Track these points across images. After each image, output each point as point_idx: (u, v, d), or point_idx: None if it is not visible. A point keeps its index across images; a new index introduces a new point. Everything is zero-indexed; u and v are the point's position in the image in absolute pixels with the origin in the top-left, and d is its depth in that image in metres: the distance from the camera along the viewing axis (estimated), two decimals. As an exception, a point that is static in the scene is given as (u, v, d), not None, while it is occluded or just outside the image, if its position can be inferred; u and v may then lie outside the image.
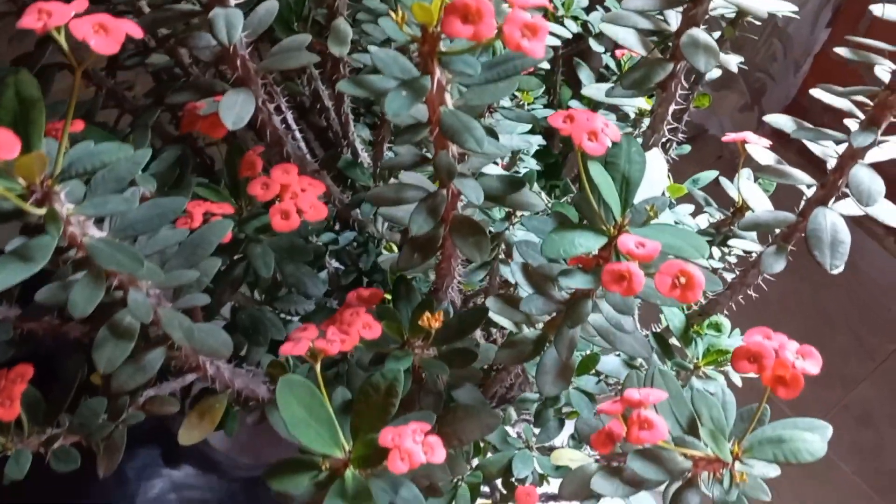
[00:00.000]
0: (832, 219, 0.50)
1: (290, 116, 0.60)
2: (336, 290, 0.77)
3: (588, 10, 0.87)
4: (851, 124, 0.49)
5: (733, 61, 0.60)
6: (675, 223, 0.65)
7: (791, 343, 0.40)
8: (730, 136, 0.57)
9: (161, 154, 0.51)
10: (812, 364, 0.39)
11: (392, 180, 0.60)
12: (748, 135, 0.56)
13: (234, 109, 0.48)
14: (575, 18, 0.85)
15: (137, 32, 0.36)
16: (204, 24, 0.47)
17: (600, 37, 0.87)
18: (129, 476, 0.60)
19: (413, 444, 0.41)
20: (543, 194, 0.74)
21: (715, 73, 0.77)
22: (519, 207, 0.46)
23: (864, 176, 0.47)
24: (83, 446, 0.48)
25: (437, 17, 0.35)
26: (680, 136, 0.80)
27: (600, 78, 0.88)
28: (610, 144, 0.43)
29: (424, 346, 0.52)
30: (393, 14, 0.35)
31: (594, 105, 0.85)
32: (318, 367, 0.45)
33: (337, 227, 0.75)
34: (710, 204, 0.62)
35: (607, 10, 0.83)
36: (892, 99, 0.46)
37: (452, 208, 0.46)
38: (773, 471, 0.43)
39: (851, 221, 0.51)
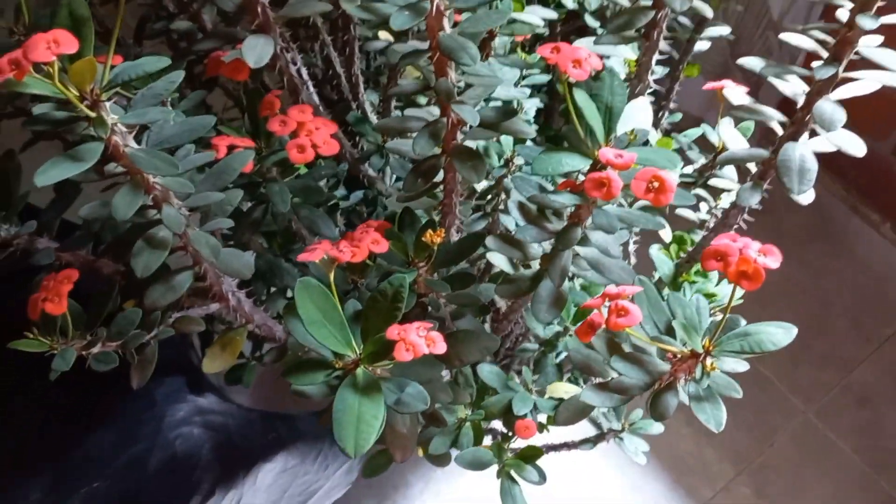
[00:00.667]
0: (801, 151, 0.54)
1: (304, 71, 0.65)
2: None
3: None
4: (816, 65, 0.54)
5: (720, 31, 0.65)
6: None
7: (754, 243, 0.44)
8: (710, 85, 0.62)
9: (188, 95, 0.57)
10: (772, 260, 0.43)
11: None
12: (726, 81, 0.61)
13: (256, 50, 0.53)
14: (571, -6, 0.90)
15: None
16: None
17: (596, 14, 0.92)
18: (158, 399, 0.65)
19: (417, 337, 0.45)
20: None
21: (703, 46, 0.82)
22: (512, 133, 0.51)
23: (827, 107, 0.52)
24: (120, 356, 0.52)
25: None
26: (672, 104, 0.85)
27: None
28: (593, 75, 0.48)
29: (428, 270, 0.56)
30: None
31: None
32: (331, 276, 0.50)
33: (345, 190, 0.80)
34: (693, 148, 0.67)
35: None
36: (850, 35, 0.50)
37: (452, 137, 0.51)
38: (742, 366, 0.48)
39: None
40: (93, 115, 0.40)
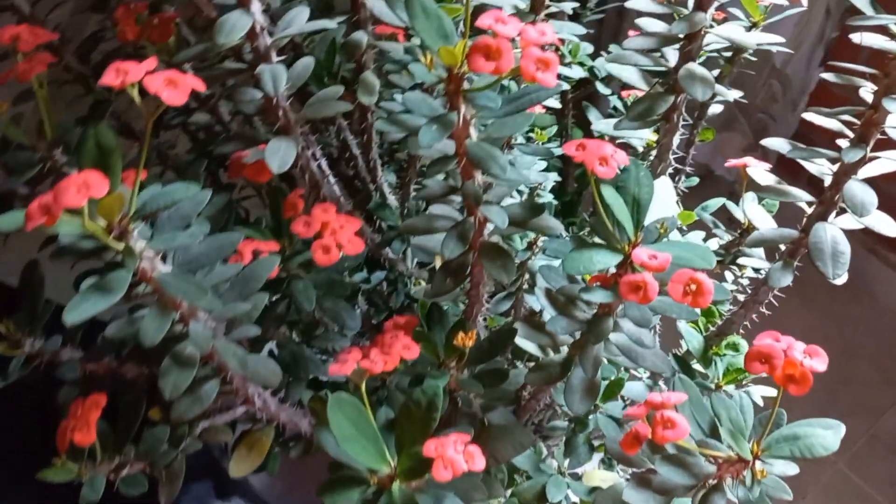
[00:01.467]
0: (832, 232, 0.54)
1: (324, 163, 0.65)
2: (368, 329, 0.81)
3: (593, 56, 0.93)
4: (843, 143, 0.53)
5: (732, 95, 0.64)
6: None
7: (798, 343, 0.43)
8: (732, 162, 0.62)
9: (211, 200, 0.56)
10: (819, 362, 0.42)
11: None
12: (749, 159, 0.61)
13: (279, 154, 0.53)
14: (581, 64, 0.90)
15: (201, 86, 0.41)
16: (248, 80, 0.53)
17: (607, 80, 0.93)
18: (184, 509, 0.64)
19: (455, 453, 0.44)
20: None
21: (717, 109, 0.82)
22: (540, 231, 0.50)
23: (857, 189, 0.51)
24: (146, 474, 0.51)
25: (461, 59, 0.40)
26: (688, 168, 0.84)
27: (608, 118, 0.94)
28: (619, 168, 0.48)
29: (458, 368, 0.55)
30: (422, 58, 0.40)
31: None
32: (363, 387, 0.49)
33: (366, 272, 0.80)
34: (719, 226, 0.66)
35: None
36: (876, 117, 0.50)
37: (480, 235, 0.51)
38: (792, 468, 0.46)
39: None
40: (120, 247, 0.39)
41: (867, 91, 0.50)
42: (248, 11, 0.48)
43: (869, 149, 0.51)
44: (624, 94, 0.89)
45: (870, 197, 0.50)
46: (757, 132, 1.53)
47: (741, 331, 0.70)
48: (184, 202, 0.43)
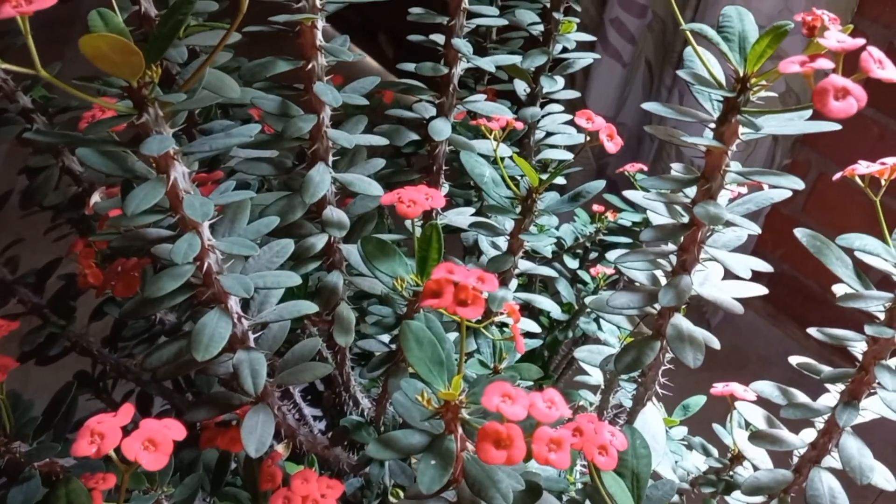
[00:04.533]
0: (828, 482, 0.53)
1: (299, 399, 0.62)
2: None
3: (558, 226, 0.93)
4: (831, 395, 0.53)
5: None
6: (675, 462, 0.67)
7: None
8: (717, 390, 0.61)
9: (185, 481, 0.53)
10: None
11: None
12: (735, 388, 0.60)
13: (256, 434, 0.50)
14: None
15: (182, 434, 0.38)
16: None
17: (570, 251, 0.93)
18: None
19: None
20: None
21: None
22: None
23: (853, 449, 0.51)
24: None
25: (457, 394, 0.39)
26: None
27: (574, 282, 0.93)
28: (618, 456, 0.46)
29: None
30: (420, 399, 0.38)
31: (576, 312, 0.90)
32: None
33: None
34: (710, 454, 0.65)
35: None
36: (868, 378, 0.50)
37: None
38: None
39: None
40: None
41: (857, 352, 0.50)
42: (225, 312, 0.45)
43: (861, 404, 0.51)
44: (593, 271, 0.89)
45: (867, 460, 0.50)
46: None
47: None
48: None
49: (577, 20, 0.75)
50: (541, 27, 0.72)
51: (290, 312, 0.49)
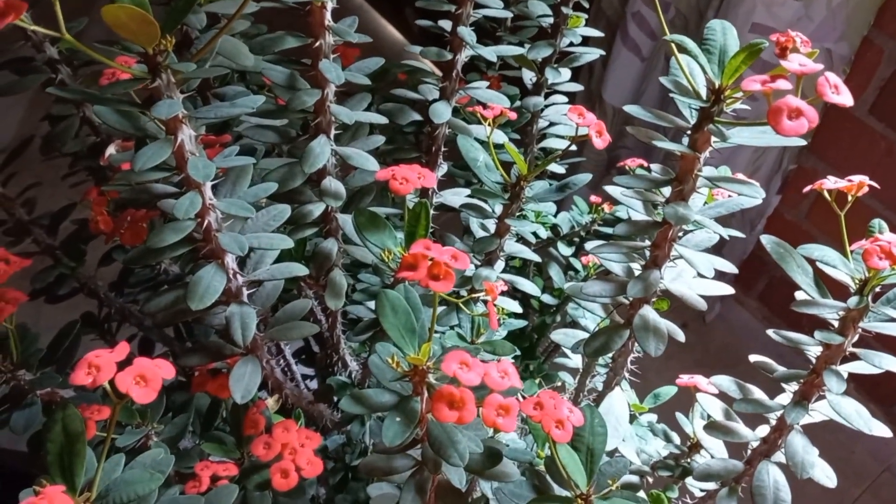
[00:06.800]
0: (774, 475, 0.56)
1: (290, 357, 0.66)
2: (325, 487, 0.81)
3: (556, 213, 0.96)
4: (785, 396, 0.56)
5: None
6: (640, 442, 0.71)
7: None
8: (682, 381, 0.64)
9: (174, 420, 0.57)
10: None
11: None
12: (699, 380, 0.63)
13: (243, 382, 0.54)
14: (544, 224, 0.93)
15: (171, 373, 0.42)
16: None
17: (566, 238, 0.96)
18: None
19: None
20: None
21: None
22: (497, 478, 0.51)
23: (798, 446, 0.54)
24: None
25: (426, 360, 0.42)
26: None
27: (567, 268, 0.96)
28: (574, 431, 0.49)
29: None
30: (389, 360, 0.42)
31: (566, 297, 0.93)
32: None
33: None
34: (671, 440, 0.69)
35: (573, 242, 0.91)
36: (818, 381, 0.53)
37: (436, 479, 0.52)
38: None
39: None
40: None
41: (812, 355, 0.53)
42: (222, 267, 0.49)
43: (810, 403, 0.54)
44: (583, 259, 0.92)
45: (810, 456, 0.53)
46: (716, 248, 1.58)
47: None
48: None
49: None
50: (551, 19, 0.75)
51: (283, 273, 0.52)
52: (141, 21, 0.36)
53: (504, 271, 0.73)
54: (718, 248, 1.62)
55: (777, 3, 1.20)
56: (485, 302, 0.61)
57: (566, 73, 0.78)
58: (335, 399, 0.73)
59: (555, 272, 0.95)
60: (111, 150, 0.59)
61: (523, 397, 0.48)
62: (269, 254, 0.53)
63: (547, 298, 0.96)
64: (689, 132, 0.47)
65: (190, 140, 0.43)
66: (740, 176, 0.72)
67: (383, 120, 0.57)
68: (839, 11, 1.20)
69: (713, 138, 0.46)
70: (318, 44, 0.50)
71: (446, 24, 0.62)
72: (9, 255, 0.52)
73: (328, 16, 0.49)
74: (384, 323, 0.43)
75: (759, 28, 1.23)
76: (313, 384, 0.83)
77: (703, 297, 0.57)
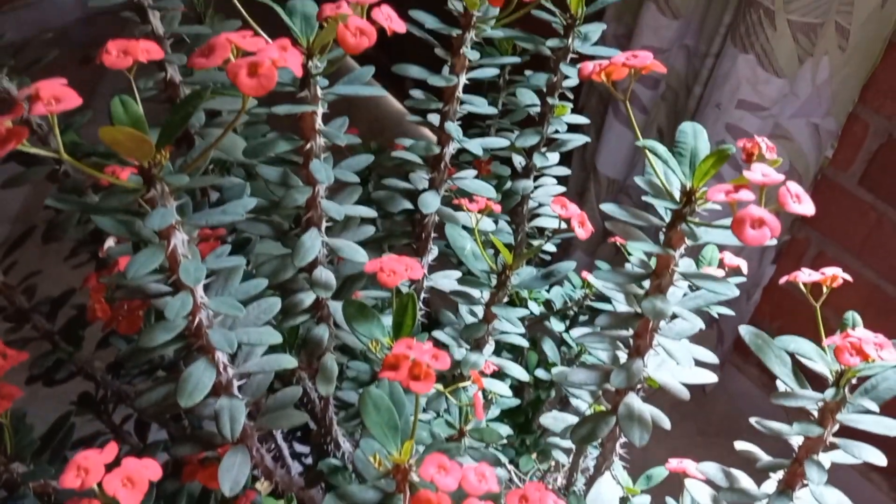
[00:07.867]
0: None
1: (281, 441, 0.67)
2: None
3: (549, 287, 0.97)
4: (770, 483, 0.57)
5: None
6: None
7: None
8: (672, 466, 0.64)
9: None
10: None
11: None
12: (688, 465, 0.64)
13: (232, 473, 0.54)
14: (536, 300, 0.95)
15: (158, 474, 0.43)
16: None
17: (559, 314, 0.97)
18: None
19: None
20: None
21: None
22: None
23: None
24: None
25: (407, 458, 0.43)
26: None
27: (562, 343, 0.97)
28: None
29: None
30: (372, 460, 0.43)
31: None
32: None
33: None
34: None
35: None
36: (801, 471, 0.53)
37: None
38: None
39: None
40: None
41: (796, 442, 0.54)
42: (212, 362, 0.50)
43: (794, 494, 0.55)
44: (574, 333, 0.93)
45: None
46: (709, 321, 1.58)
47: None
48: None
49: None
50: (538, 108, 0.78)
51: (272, 365, 0.53)
52: (136, 140, 0.38)
53: (498, 350, 0.74)
54: (711, 322, 1.63)
55: (762, 80, 1.24)
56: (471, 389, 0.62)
57: (554, 157, 0.81)
58: (327, 483, 0.73)
59: (548, 347, 0.96)
60: (110, 242, 0.61)
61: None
62: (259, 346, 0.54)
63: (541, 373, 0.97)
64: (664, 230, 0.49)
65: (182, 244, 0.45)
66: (726, 260, 0.74)
67: (373, 213, 0.59)
68: (825, 88, 1.24)
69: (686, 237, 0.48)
70: (308, 146, 0.52)
71: (434, 119, 0.65)
72: (6, 349, 0.53)
73: (319, 121, 0.52)
74: (367, 421, 0.44)
75: (746, 104, 1.27)
76: (308, 461, 0.84)
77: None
